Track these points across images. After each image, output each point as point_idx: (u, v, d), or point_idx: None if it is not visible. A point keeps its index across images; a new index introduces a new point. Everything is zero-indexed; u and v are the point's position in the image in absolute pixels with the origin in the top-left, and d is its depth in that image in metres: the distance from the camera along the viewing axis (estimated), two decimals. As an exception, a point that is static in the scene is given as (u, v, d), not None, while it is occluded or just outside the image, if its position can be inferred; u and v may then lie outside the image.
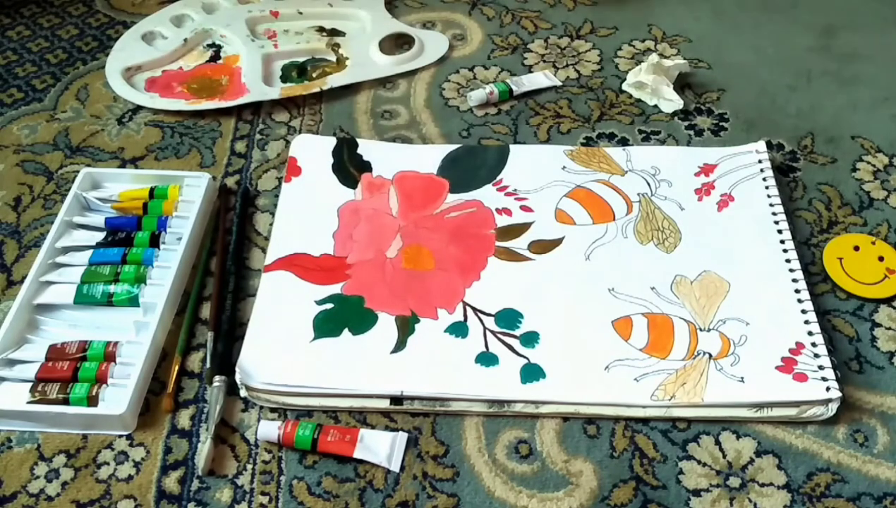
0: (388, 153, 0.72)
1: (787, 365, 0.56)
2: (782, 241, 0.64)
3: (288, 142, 0.74)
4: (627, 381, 0.56)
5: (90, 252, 0.64)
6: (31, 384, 0.56)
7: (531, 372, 0.56)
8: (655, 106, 0.78)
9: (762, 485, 0.52)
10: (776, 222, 0.66)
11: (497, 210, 0.67)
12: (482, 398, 0.55)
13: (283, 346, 0.58)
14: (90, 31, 0.87)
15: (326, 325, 0.59)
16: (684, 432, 0.55)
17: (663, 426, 0.55)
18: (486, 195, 0.68)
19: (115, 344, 0.58)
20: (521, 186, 0.69)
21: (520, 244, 0.65)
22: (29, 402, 0.55)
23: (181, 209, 0.66)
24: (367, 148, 0.72)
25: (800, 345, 0.57)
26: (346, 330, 0.59)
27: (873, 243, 0.65)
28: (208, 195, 0.68)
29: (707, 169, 0.70)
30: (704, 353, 0.57)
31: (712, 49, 0.84)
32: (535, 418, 0.56)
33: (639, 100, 0.79)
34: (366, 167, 0.71)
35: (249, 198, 0.70)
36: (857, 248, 0.64)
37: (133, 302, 0.60)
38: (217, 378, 0.56)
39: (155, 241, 0.64)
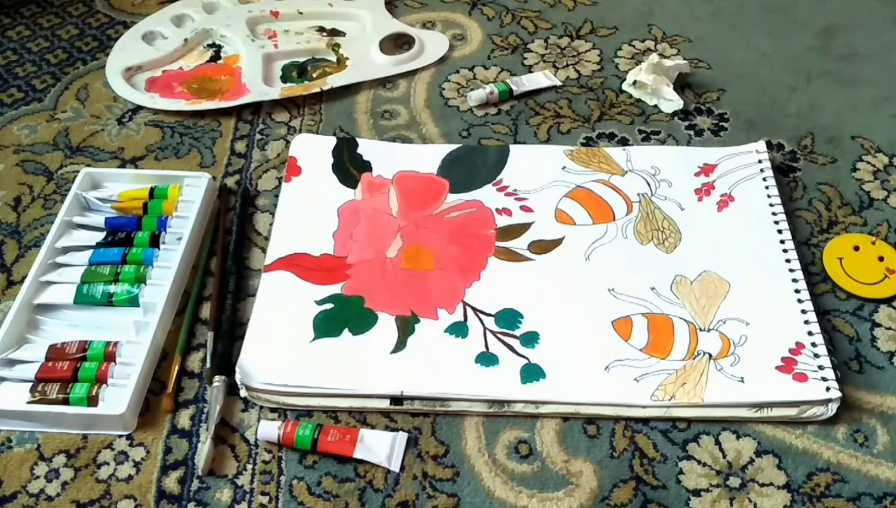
0: (388, 153, 0.72)
1: (787, 365, 0.56)
2: (782, 241, 0.64)
3: (288, 142, 0.74)
4: (627, 381, 0.56)
5: (90, 252, 0.64)
6: (31, 384, 0.56)
7: (531, 372, 0.56)
8: (655, 106, 0.78)
9: (762, 485, 0.52)
10: (776, 222, 0.66)
11: (497, 210, 0.67)
12: (482, 398, 0.55)
13: (283, 346, 0.58)
14: (90, 31, 0.87)
15: (326, 325, 0.59)
16: (684, 432, 0.55)
17: (663, 426, 0.55)
18: (486, 195, 0.68)
19: (115, 344, 0.58)
20: (521, 186, 0.69)
21: (520, 244, 0.65)
22: (29, 402, 0.55)
23: (181, 209, 0.66)
24: (367, 147, 0.72)
25: (800, 345, 0.57)
26: (346, 330, 0.59)
27: (873, 243, 0.65)
28: (208, 195, 0.68)
29: (707, 169, 0.70)
30: (704, 353, 0.57)
31: (712, 49, 0.84)
32: (535, 418, 0.56)
33: (639, 100, 0.79)
34: (366, 167, 0.71)
35: (249, 198, 0.70)
36: (857, 248, 0.65)
37: (133, 302, 0.60)
38: (217, 378, 0.56)
39: (155, 241, 0.64)
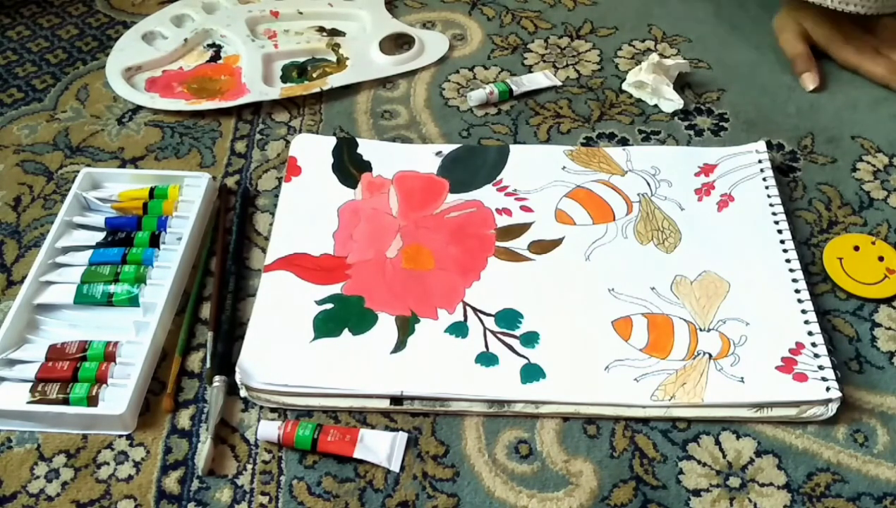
0: (388, 153, 0.72)
1: (787, 365, 0.56)
2: (782, 241, 0.64)
3: (288, 142, 0.74)
4: (627, 381, 0.56)
5: (90, 252, 0.64)
6: (31, 384, 0.56)
7: (531, 372, 0.56)
8: (655, 106, 0.78)
9: (762, 485, 0.52)
10: (776, 222, 0.66)
11: (497, 210, 0.67)
12: (482, 398, 0.55)
13: (283, 346, 0.58)
14: (90, 31, 0.88)
15: (326, 325, 0.59)
16: (684, 432, 0.55)
17: (663, 426, 0.55)
18: (486, 195, 0.68)
19: (115, 344, 0.58)
20: (521, 186, 0.69)
21: (520, 244, 0.65)
22: (29, 402, 0.55)
23: (181, 209, 0.66)
24: (368, 147, 0.72)
25: (800, 345, 0.57)
26: (346, 330, 0.59)
27: (873, 243, 0.65)
28: (208, 195, 0.68)
29: (707, 169, 0.70)
30: (704, 353, 0.57)
31: (712, 49, 0.84)
32: (535, 418, 0.56)
33: (639, 100, 0.79)
34: (366, 167, 0.71)
35: (249, 198, 0.70)
36: (857, 248, 0.65)
37: (133, 302, 0.60)
38: (217, 378, 0.56)
39: (155, 241, 0.64)
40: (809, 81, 0.77)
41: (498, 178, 0.70)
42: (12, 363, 0.57)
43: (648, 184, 0.69)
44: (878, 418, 0.56)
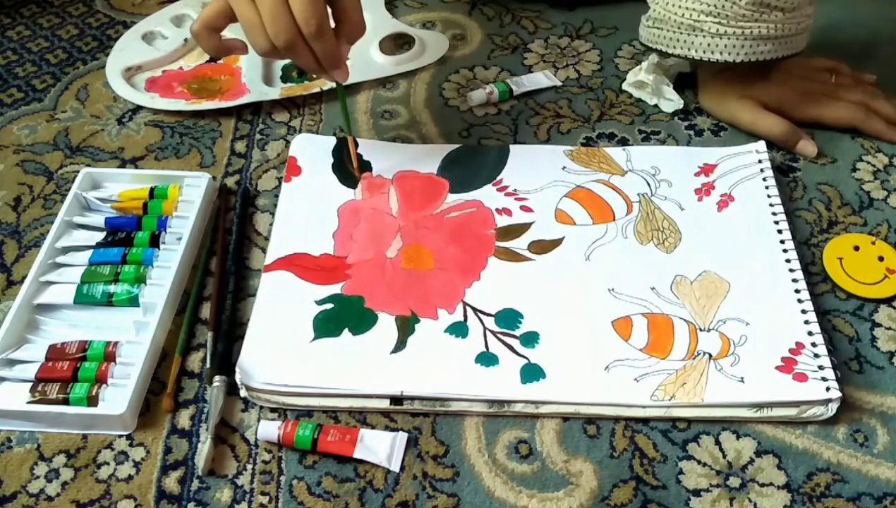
0: (388, 153, 0.72)
1: (787, 365, 0.56)
2: (782, 241, 0.64)
3: (288, 142, 0.74)
4: (627, 381, 0.56)
5: (90, 252, 0.64)
6: (31, 384, 0.56)
7: (531, 372, 0.56)
8: (655, 106, 0.78)
9: (762, 485, 0.52)
10: (776, 222, 0.66)
11: (497, 210, 0.67)
12: (482, 398, 0.55)
13: (283, 346, 0.58)
14: (90, 31, 0.88)
15: (326, 325, 0.59)
16: (684, 432, 0.55)
17: (663, 426, 0.55)
18: (486, 195, 0.68)
19: (115, 344, 0.58)
20: (521, 186, 0.69)
21: (520, 244, 0.65)
22: (29, 402, 0.55)
23: (181, 209, 0.66)
24: (368, 147, 0.72)
25: (800, 345, 0.57)
26: (346, 330, 0.59)
27: (873, 243, 0.65)
28: (208, 195, 0.68)
29: (707, 169, 0.70)
30: (704, 353, 0.57)
31: (712, 49, 0.84)
32: (535, 418, 0.56)
33: (639, 100, 0.79)
34: (366, 167, 0.71)
35: (249, 198, 0.70)
36: (857, 248, 0.65)
37: (133, 302, 0.60)
38: (217, 378, 0.56)
39: (155, 241, 0.64)
40: (812, 146, 0.72)
41: (498, 178, 0.70)
42: (12, 363, 0.57)
43: (648, 184, 0.69)
44: (878, 418, 0.56)
